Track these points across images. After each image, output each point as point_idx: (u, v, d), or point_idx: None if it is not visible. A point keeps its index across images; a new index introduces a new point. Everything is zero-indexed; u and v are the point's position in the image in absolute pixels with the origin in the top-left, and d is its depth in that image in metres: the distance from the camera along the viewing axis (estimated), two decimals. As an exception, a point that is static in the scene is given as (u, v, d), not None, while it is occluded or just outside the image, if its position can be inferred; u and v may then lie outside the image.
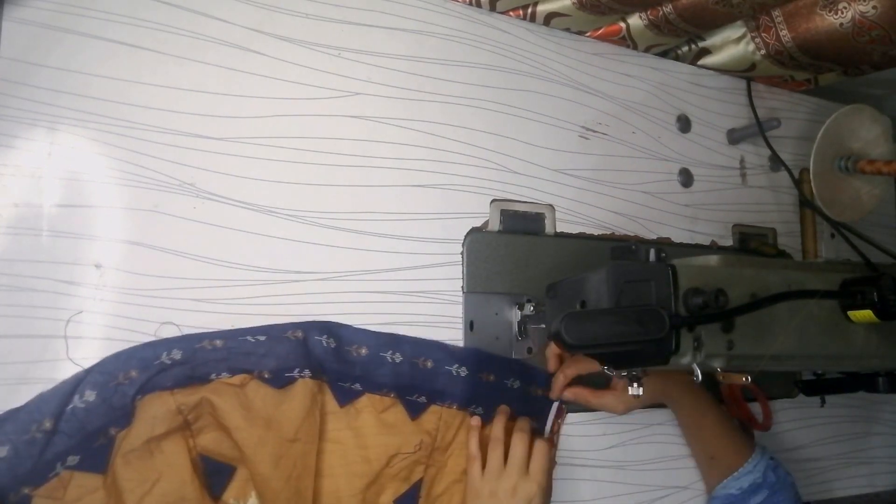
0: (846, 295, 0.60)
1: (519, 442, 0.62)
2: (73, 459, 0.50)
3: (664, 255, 0.63)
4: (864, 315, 0.59)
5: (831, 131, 0.84)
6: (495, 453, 0.62)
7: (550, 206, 0.76)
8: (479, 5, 0.74)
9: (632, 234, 0.80)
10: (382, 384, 0.62)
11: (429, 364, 0.64)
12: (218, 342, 0.56)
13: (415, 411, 0.63)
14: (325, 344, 0.59)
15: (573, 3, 0.74)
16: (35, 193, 0.53)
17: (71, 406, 0.50)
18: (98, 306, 0.54)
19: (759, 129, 0.88)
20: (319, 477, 0.58)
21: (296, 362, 0.58)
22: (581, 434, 0.73)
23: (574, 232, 0.77)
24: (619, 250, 0.68)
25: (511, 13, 0.77)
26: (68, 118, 0.55)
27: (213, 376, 0.56)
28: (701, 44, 0.87)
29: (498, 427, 0.64)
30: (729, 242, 0.88)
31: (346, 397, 0.61)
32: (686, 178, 0.85)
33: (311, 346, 0.59)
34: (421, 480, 0.63)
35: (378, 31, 0.69)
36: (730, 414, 0.77)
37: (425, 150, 0.69)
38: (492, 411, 0.67)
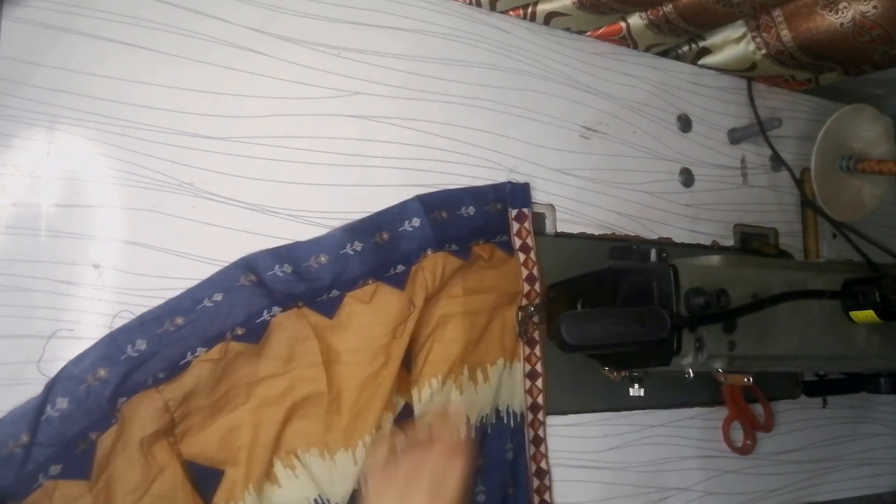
0: (848, 295, 0.60)
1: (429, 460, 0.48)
2: (55, 469, 0.49)
3: (665, 255, 0.63)
4: (865, 315, 0.59)
5: (832, 131, 0.84)
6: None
7: (550, 205, 0.75)
8: (479, 5, 0.74)
9: (633, 234, 0.80)
10: (357, 277, 0.61)
11: (385, 236, 0.64)
12: (179, 320, 0.54)
13: (399, 283, 0.63)
14: (280, 273, 0.58)
15: (573, 3, 0.74)
16: (33, 193, 0.53)
17: (45, 416, 0.49)
18: (97, 307, 0.54)
19: (760, 129, 0.88)
20: (345, 391, 0.59)
21: (260, 305, 0.57)
22: (581, 436, 0.73)
23: (574, 232, 0.76)
24: (620, 250, 0.68)
25: (511, 13, 0.76)
26: (67, 118, 0.54)
27: (188, 356, 0.54)
28: (701, 43, 0.87)
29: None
30: (730, 242, 0.88)
31: (330, 309, 0.60)
32: (687, 177, 0.85)
33: (268, 282, 0.58)
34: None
35: (378, 31, 0.68)
36: None
37: (425, 150, 0.69)
38: (465, 242, 0.67)
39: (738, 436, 0.83)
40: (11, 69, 0.53)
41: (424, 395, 0.63)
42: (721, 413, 0.82)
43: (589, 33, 0.81)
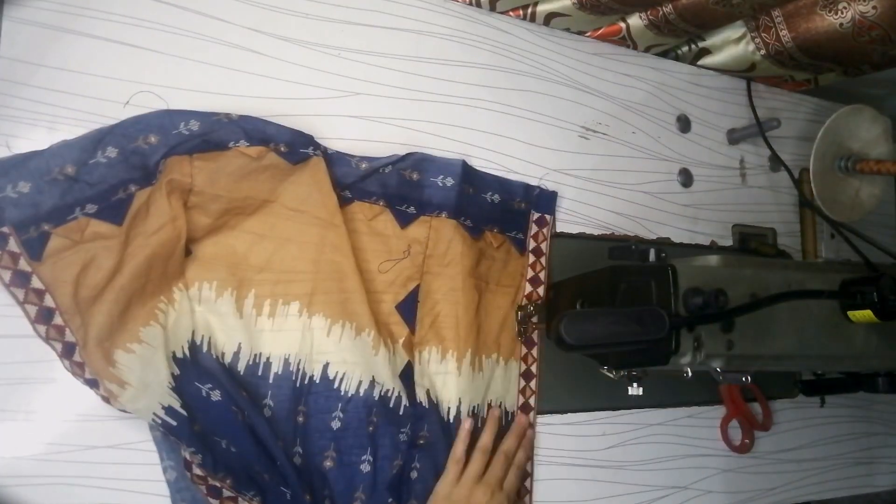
0: (846, 295, 0.60)
1: (499, 461, 0.64)
2: (91, 208, 0.52)
3: (664, 255, 0.63)
4: (863, 315, 0.59)
5: (831, 131, 0.84)
6: (477, 464, 0.63)
7: (550, 206, 0.75)
8: (479, 5, 0.74)
9: (632, 234, 0.80)
10: (371, 192, 0.65)
11: (415, 176, 0.66)
12: (234, 116, 0.58)
13: (404, 220, 0.66)
14: (330, 151, 0.64)
15: (573, 3, 0.74)
16: (35, 193, 0.53)
17: (94, 160, 0.53)
18: (98, 306, 0.54)
19: (759, 130, 0.88)
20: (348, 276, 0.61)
21: (311, 141, 0.61)
22: (580, 434, 0.73)
23: (574, 232, 0.77)
24: (619, 250, 0.68)
25: (511, 13, 0.77)
26: (68, 118, 0.55)
27: (231, 144, 0.57)
28: (701, 44, 0.87)
29: (487, 437, 0.65)
30: (729, 242, 0.88)
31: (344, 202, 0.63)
32: (686, 178, 0.85)
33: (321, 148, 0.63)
34: (418, 286, 0.65)
35: (378, 31, 0.69)
36: None
37: (425, 151, 0.69)
38: (479, 223, 0.69)
39: (737, 435, 0.83)
40: (12, 69, 0.53)
41: (424, 358, 0.65)
42: (719, 412, 0.83)
43: (589, 34, 0.81)
